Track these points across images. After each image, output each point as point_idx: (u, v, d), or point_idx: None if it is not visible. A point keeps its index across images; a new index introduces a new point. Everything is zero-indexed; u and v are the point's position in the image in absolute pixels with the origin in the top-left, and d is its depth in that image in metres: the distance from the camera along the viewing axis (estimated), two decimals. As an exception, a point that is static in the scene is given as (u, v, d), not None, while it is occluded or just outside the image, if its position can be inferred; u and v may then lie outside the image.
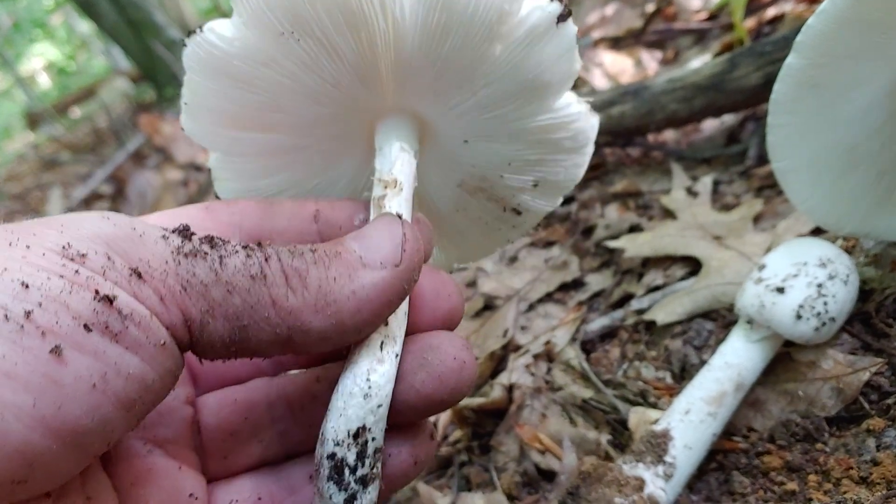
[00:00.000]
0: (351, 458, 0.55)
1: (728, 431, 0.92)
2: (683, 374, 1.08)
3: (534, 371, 1.22)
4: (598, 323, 1.26)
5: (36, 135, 8.85)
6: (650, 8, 2.38)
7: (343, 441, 0.55)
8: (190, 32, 0.61)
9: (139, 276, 0.47)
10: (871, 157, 0.92)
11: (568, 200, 1.69)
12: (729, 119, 1.67)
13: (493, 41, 0.60)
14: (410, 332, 0.62)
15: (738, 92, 1.48)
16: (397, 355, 0.59)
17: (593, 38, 2.39)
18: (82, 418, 0.42)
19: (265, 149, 0.72)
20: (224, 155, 0.74)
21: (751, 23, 1.92)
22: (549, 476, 1.04)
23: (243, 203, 0.67)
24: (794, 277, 0.88)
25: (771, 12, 1.94)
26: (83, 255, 0.45)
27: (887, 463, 0.80)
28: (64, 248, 0.45)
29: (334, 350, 0.60)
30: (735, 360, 0.90)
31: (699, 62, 1.91)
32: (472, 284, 1.59)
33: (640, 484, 0.82)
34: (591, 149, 0.76)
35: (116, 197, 3.92)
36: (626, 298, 1.30)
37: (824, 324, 0.87)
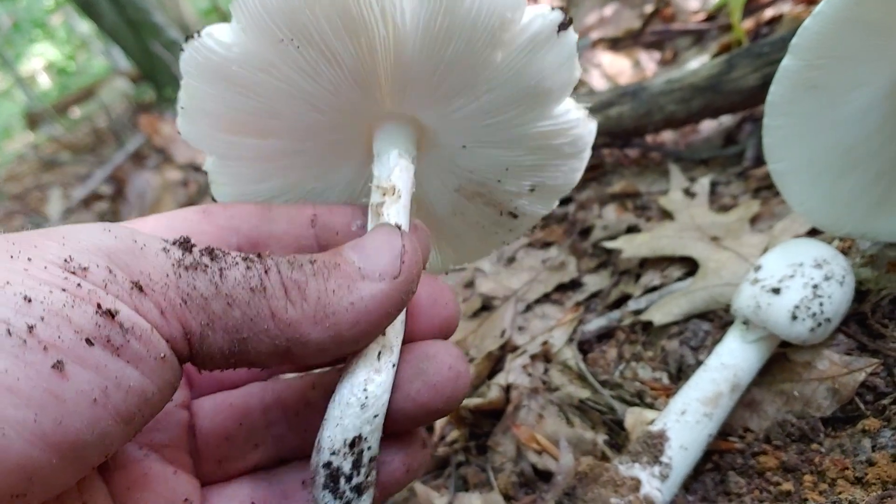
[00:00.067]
0: (346, 466, 0.55)
1: (724, 432, 0.93)
2: (680, 375, 1.08)
3: (531, 371, 1.22)
4: (595, 323, 1.26)
5: (36, 135, 8.85)
6: (649, 9, 2.38)
7: (339, 450, 0.55)
8: (188, 37, 0.61)
9: (140, 289, 0.47)
10: (868, 159, 0.93)
11: (566, 201, 1.70)
12: (727, 120, 1.68)
13: (494, 48, 0.60)
14: (407, 340, 0.63)
15: (736, 93, 1.48)
16: (394, 365, 0.59)
17: (592, 38, 2.39)
18: (82, 432, 0.42)
19: (262, 153, 0.72)
20: (220, 159, 0.74)
21: (749, 24, 1.93)
22: (545, 476, 1.04)
23: (241, 206, 0.67)
24: (791, 278, 0.89)
25: (769, 13, 1.94)
26: (85, 269, 0.45)
27: (882, 463, 0.80)
28: (66, 260, 0.45)
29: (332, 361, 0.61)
30: (731, 360, 0.91)
31: (697, 63, 1.92)
32: (469, 285, 1.59)
33: (636, 484, 0.82)
34: (588, 154, 0.76)
35: (116, 197, 3.92)
36: (624, 299, 1.30)
37: (820, 324, 0.87)
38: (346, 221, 0.68)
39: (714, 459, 0.92)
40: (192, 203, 3.22)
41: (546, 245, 1.62)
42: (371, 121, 0.69)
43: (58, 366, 0.41)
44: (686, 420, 0.87)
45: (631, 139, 1.74)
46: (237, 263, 0.51)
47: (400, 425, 0.60)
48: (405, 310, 0.63)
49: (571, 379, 1.16)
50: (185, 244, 0.52)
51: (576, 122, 0.71)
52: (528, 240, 1.65)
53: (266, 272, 0.52)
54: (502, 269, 1.59)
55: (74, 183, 4.84)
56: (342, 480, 0.55)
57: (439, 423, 1.24)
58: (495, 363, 1.30)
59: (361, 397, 0.56)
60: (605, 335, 1.24)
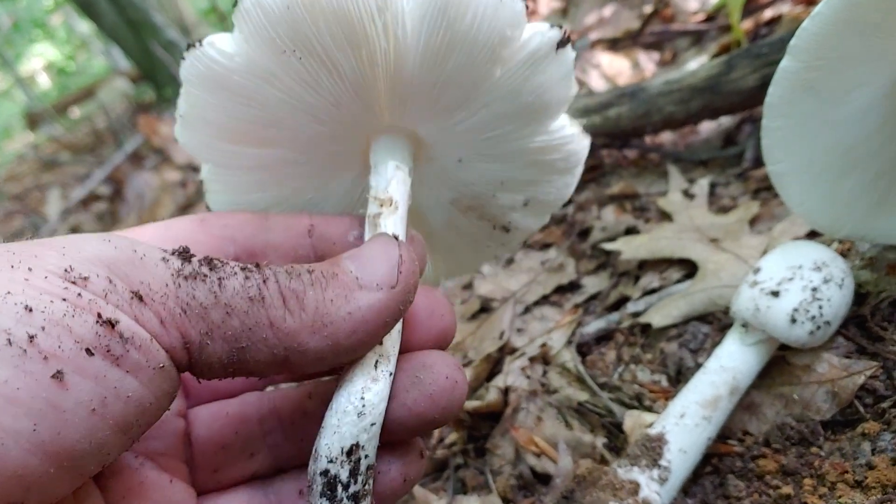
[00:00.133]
0: (344, 475, 0.55)
1: (723, 435, 0.92)
2: (679, 378, 1.07)
3: (529, 374, 1.22)
4: (593, 326, 1.26)
5: (35, 135, 8.86)
6: (648, 9, 2.37)
7: (336, 458, 0.55)
8: (189, 45, 0.61)
9: (140, 299, 0.47)
10: (867, 160, 0.92)
11: (565, 203, 1.69)
12: (726, 121, 1.67)
13: (493, 64, 0.61)
14: (403, 350, 0.63)
15: (735, 94, 1.48)
16: (391, 374, 0.60)
17: (591, 39, 2.38)
18: (80, 442, 0.42)
19: (260, 163, 0.73)
20: (217, 167, 0.75)
21: (748, 24, 1.92)
22: (544, 479, 1.03)
23: (238, 216, 0.67)
24: (790, 281, 0.88)
25: (768, 14, 1.94)
26: (85, 278, 0.45)
27: (882, 467, 0.79)
28: (66, 270, 0.45)
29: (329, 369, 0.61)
30: (730, 363, 0.90)
31: (696, 64, 1.91)
32: (468, 286, 1.59)
33: (634, 487, 0.82)
34: (580, 169, 0.77)
35: (114, 198, 3.92)
36: (623, 301, 1.30)
37: (819, 327, 0.86)
38: (342, 232, 0.69)
39: (713, 463, 0.92)
40: (190, 204, 3.22)
41: (545, 247, 1.62)
42: (370, 132, 0.70)
43: (58, 375, 0.41)
44: (685, 423, 0.87)
45: (630, 140, 1.73)
46: (236, 273, 0.52)
47: (397, 435, 0.61)
48: (402, 319, 0.63)
49: (570, 381, 1.16)
50: (185, 254, 0.52)
51: (571, 139, 0.72)
52: (527, 241, 1.65)
53: (264, 282, 0.52)
54: (501, 271, 1.59)
55: (73, 183, 4.83)
56: (339, 488, 0.55)
57: (438, 426, 1.24)
58: (494, 365, 1.30)
59: (358, 405, 0.56)
60: (604, 337, 1.24)
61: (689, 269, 1.25)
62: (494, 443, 1.13)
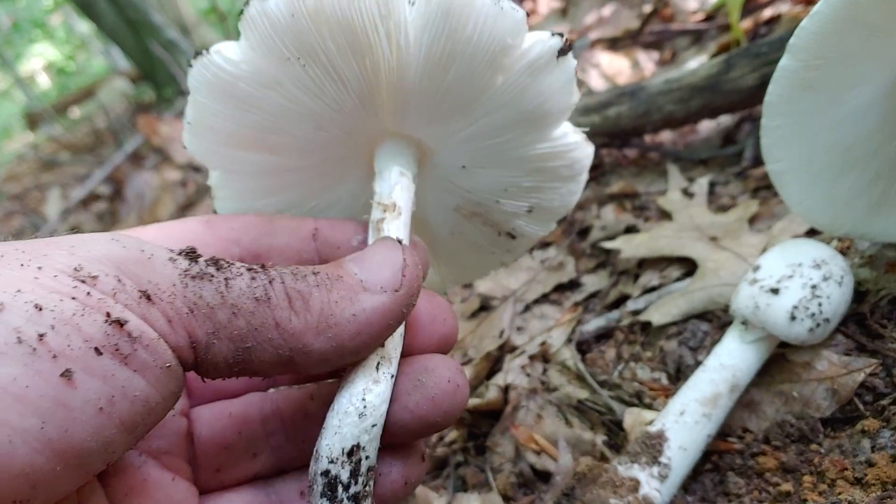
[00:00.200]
0: (344, 475, 0.56)
1: (723, 432, 0.93)
2: (679, 375, 1.08)
3: (529, 372, 1.22)
4: (593, 324, 1.26)
5: (35, 135, 8.85)
6: (647, 9, 2.38)
7: (337, 459, 0.56)
8: (197, 53, 0.62)
9: (148, 298, 0.47)
10: (867, 159, 0.92)
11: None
12: (725, 120, 1.68)
13: (495, 72, 0.62)
14: (406, 354, 0.64)
15: (735, 93, 1.48)
16: (392, 376, 0.60)
17: (590, 38, 2.39)
18: (87, 440, 0.42)
19: (266, 169, 0.74)
20: (225, 173, 0.76)
21: (747, 24, 1.93)
22: (544, 477, 1.04)
23: (243, 218, 0.68)
24: (789, 279, 0.89)
25: (767, 13, 1.94)
26: (94, 277, 0.45)
27: (882, 464, 0.80)
28: (75, 269, 0.45)
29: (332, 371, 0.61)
30: (730, 361, 0.90)
31: (696, 63, 1.92)
32: (468, 285, 1.59)
33: (635, 485, 0.82)
34: (585, 177, 0.78)
35: (114, 198, 3.92)
36: (622, 299, 1.30)
37: (819, 325, 0.87)
38: (347, 237, 0.69)
39: (713, 460, 0.92)
40: (190, 203, 3.22)
41: (545, 245, 1.62)
42: (373, 139, 0.71)
43: (66, 374, 0.41)
44: (685, 420, 0.87)
45: (629, 139, 1.74)
46: (242, 274, 0.52)
47: (398, 437, 0.61)
48: (404, 322, 0.63)
49: (570, 379, 1.16)
50: (192, 254, 0.53)
51: (574, 146, 0.73)
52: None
53: (270, 282, 0.52)
54: (501, 270, 1.59)
55: (73, 183, 4.83)
56: (340, 489, 0.55)
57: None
58: (494, 363, 1.30)
59: (360, 406, 0.57)
60: (604, 335, 1.24)
61: (689, 267, 1.26)
62: (495, 441, 1.13)
